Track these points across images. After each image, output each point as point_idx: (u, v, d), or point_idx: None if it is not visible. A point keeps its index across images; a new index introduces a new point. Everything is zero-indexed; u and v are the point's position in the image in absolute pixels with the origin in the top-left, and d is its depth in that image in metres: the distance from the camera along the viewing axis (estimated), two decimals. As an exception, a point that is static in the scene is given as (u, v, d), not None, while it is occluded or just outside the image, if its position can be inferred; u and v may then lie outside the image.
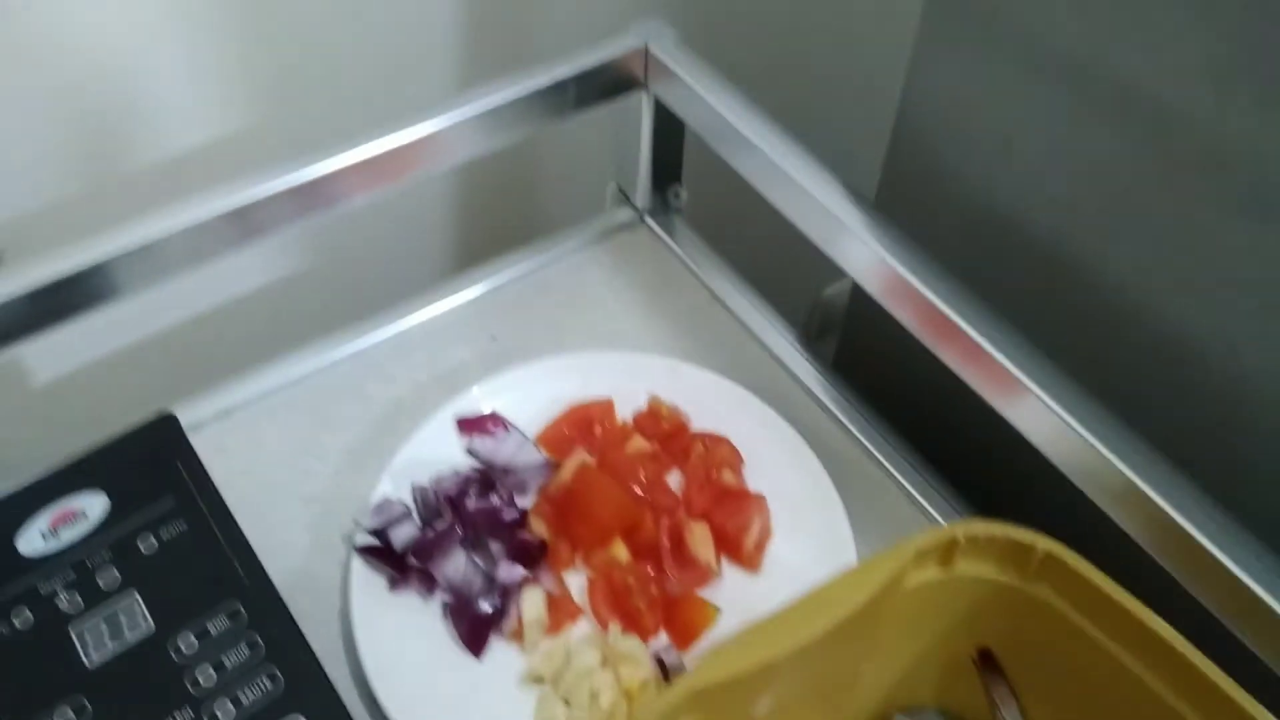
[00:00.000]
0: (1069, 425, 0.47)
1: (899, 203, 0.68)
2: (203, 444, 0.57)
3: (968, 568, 0.41)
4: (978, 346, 0.50)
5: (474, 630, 0.49)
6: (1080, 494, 0.48)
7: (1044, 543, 0.40)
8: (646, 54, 0.61)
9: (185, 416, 0.59)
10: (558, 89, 0.60)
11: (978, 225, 0.62)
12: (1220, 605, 0.44)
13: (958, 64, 0.57)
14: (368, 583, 0.51)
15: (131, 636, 0.42)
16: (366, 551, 0.51)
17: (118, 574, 0.43)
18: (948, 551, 0.41)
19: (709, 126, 0.61)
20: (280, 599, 0.44)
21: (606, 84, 0.62)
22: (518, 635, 0.49)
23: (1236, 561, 0.43)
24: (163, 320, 0.71)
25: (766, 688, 0.39)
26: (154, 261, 0.53)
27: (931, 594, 0.42)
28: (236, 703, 0.40)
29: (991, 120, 0.57)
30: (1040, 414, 0.48)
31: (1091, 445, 0.47)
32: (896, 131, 0.64)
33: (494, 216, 0.82)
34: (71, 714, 0.39)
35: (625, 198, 0.70)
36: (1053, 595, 0.41)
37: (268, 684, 0.41)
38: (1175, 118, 0.47)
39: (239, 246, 0.56)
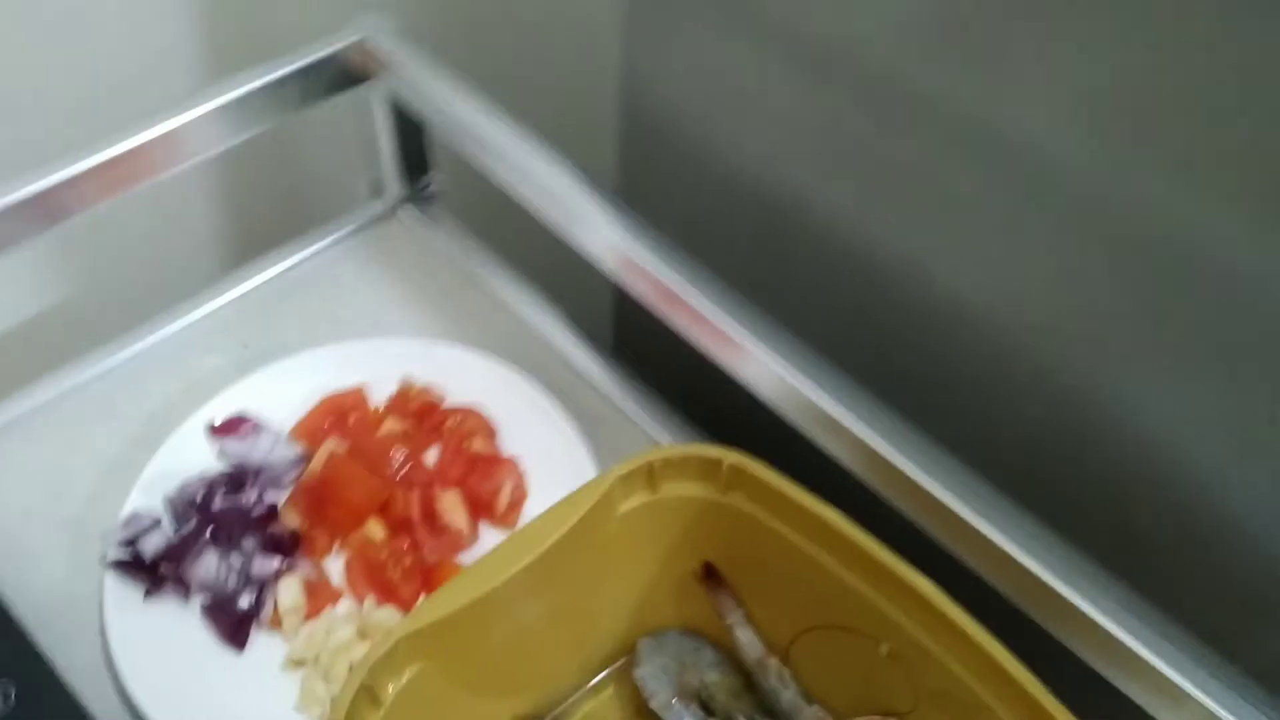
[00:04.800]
0: (774, 371, 0.50)
1: (639, 173, 0.71)
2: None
3: (672, 489, 0.45)
4: (697, 312, 0.53)
5: (233, 626, 0.50)
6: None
7: (729, 456, 0.44)
8: (365, 48, 0.63)
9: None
10: (281, 85, 0.61)
11: (709, 187, 0.65)
12: (924, 520, 0.48)
13: (667, 32, 0.60)
14: (123, 596, 0.51)
15: None
16: (119, 565, 0.51)
17: None
18: (649, 475, 0.44)
19: (435, 117, 0.62)
20: (12, 619, 0.44)
21: (332, 79, 0.63)
22: (277, 624, 0.50)
23: (928, 473, 0.46)
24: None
25: (492, 621, 0.42)
26: None
27: (646, 516, 0.45)
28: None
29: (705, 85, 0.61)
30: (756, 364, 0.51)
31: (792, 386, 0.50)
32: (623, 106, 0.67)
33: (260, 221, 0.82)
34: None
35: (379, 189, 0.72)
36: (745, 502, 0.44)
37: (-4, 702, 0.41)
38: (876, 75, 0.50)
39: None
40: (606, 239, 0.56)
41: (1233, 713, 0.38)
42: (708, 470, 0.44)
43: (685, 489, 0.45)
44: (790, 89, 0.55)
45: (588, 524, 0.42)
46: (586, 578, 0.45)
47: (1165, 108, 0.40)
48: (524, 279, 0.69)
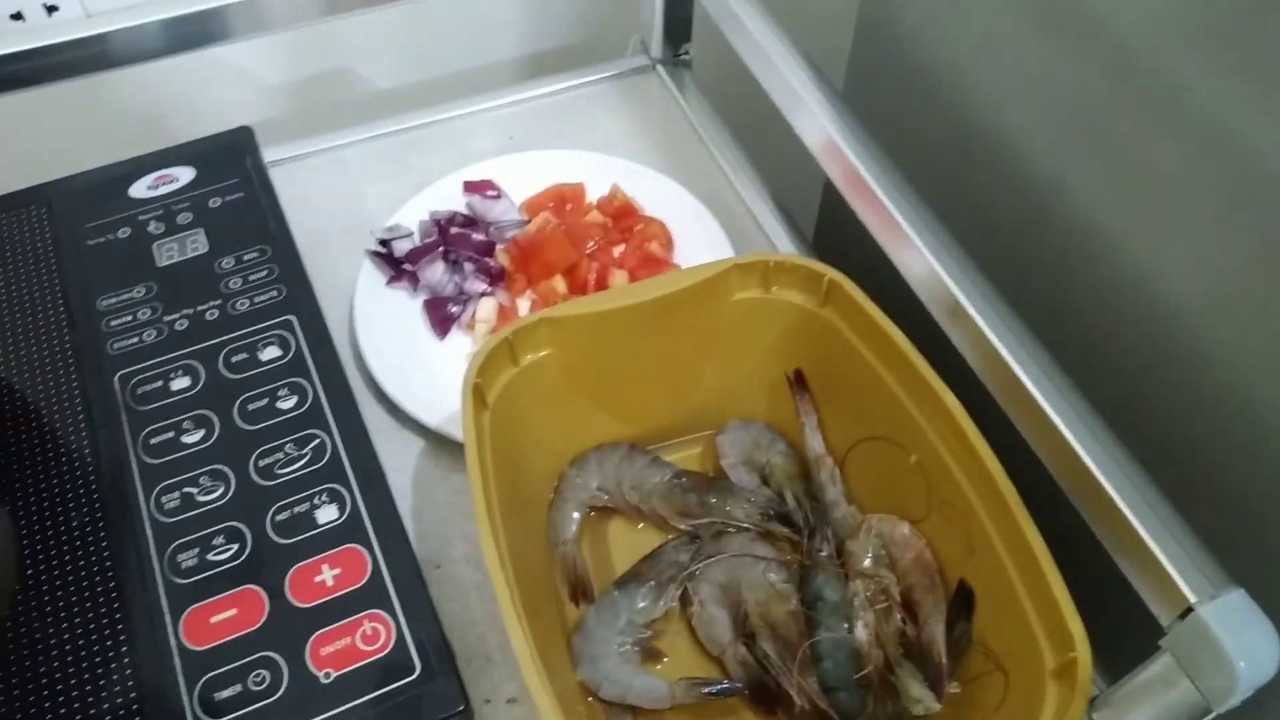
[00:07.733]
0: (927, 263, 0.56)
1: (863, 83, 0.79)
2: (281, 174, 0.75)
3: (780, 293, 0.55)
4: (879, 201, 0.60)
5: (442, 319, 0.65)
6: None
7: (830, 273, 0.53)
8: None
9: (274, 154, 0.77)
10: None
11: (925, 114, 0.72)
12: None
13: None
14: (373, 278, 0.67)
15: (192, 252, 0.60)
16: (374, 255, 0.68)
17: (191, 216, 0.61)
18: (764, 275, 0.54)
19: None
20: (294, 246, 0.61)
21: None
22: (471, 327, 0.65)
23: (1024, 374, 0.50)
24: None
25: (613, 340, 0.53)
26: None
27: (755, 311, 0.55)
28: (252, 301, 0.57)
29: (946, 16, 0.67)
30: (914, 254, 0.57)
31: (938, 276, 0.56)
32: (861, 18, 0.75)
33: (547, 55, 0.97)
34: (143, 288, 0.58)
35: (644, 48, 0.84)
36: (837, 318, 0.53)
37: (274, 293, 0.58)
38: (1137, 62, 0.51)
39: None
40: (817, 121, 0.65)
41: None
42: (811, 282, 0.54)
43: (791, 296, 0.55)
44: (1034, 46, 0.57)
45: (703, 294, 0.53)
46: (696, 342, 0.56)
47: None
48: (745, 155, 0.79)
